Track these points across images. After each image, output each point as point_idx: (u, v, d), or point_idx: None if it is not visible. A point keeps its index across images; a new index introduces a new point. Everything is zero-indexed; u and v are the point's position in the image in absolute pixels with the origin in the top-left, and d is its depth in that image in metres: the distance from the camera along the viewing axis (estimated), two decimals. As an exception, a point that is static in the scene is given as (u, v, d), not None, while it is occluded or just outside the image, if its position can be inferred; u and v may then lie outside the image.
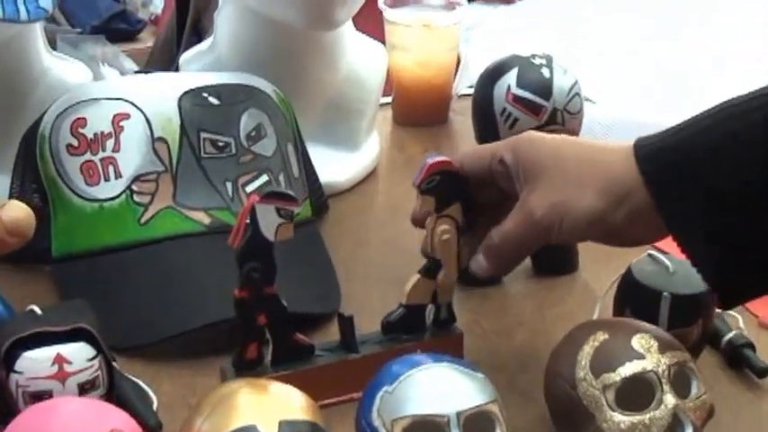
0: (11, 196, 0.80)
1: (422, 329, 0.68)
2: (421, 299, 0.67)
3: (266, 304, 0.62)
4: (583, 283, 0.82)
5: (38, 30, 0.88)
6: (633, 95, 1.05)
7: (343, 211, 0.93)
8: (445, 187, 0.64)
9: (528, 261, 0.82)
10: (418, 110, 1.11)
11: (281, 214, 0.61)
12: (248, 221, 0.61)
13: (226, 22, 0.93)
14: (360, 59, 0.98)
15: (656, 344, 0.57)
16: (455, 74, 1.12)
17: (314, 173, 0.89)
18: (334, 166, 0.96)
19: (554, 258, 0.81)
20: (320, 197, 0.90)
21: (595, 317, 0.71)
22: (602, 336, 0.58)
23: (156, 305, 0.72)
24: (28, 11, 0.72)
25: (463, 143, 1.06)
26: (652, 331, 0.58)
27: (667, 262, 0.68)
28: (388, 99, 1.13)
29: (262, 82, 0.85)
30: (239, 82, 0.83)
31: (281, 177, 0.82)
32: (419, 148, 1.07)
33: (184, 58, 0.96)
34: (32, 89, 0.88)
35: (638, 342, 0.57)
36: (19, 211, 0.63)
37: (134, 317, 0.72)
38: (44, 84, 0.88)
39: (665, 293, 0.65)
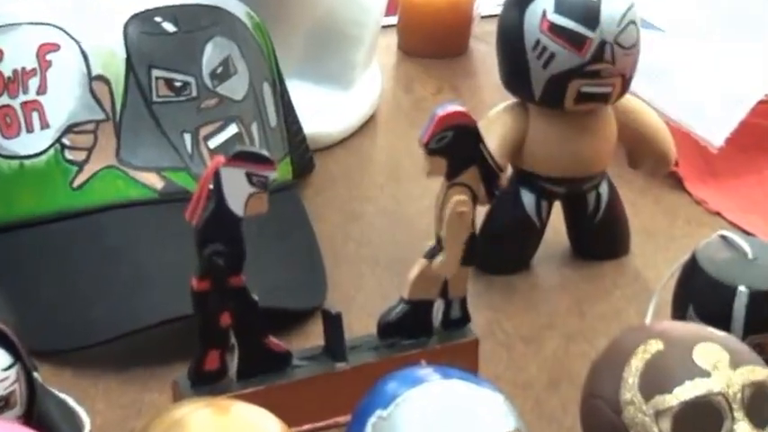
0: None
1: (427, 332, 0.69)
2: (427, 292, 0.68)
3: (232, 299, 0.63)
4: (635, 271, 0.83)
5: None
6: (711, 21, 1.05)
7: (332, 172, 0.94)
8: (460, 146, 0.64)
9: (565, 241, 0.83)
10: (430, 36, 1.12)
11: (252, 182, 0.61)
12: (211, 190, 0.61)
13: None
14: (357, -28, 0.98)
15: (727, 357, 0.58)
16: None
17: (296, 122, 0.90)
18: (322, 112, 0.97)
19: (599, 238, 0.82)
20: (304, 154, 0.91)
21: (649, 318, 0.72)
22: (655, 345, 0.58)
23: (90, 297, 0.73)
24: None
25: (487, 81, 1.07)
26: (722, 340, 0.59)
27: (745, 245, 0.68)
28: (392, 21, 1.13)
29: (231, 1, 0.85)
30: (203, 1, 0.83)
31: (254, 128, 0.82)
32: (430, 88, 1.08)
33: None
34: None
35: (701, 354, 0.58)
36: None
37: (62, 313, 0.73)
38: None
39: (740, 288, 0.66)
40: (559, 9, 0.73)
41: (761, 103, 0.93)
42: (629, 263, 0.83)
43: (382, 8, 1.01)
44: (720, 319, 0.65)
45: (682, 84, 0.90)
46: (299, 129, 0.90)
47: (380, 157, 0.99)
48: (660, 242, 0.85)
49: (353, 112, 0.99)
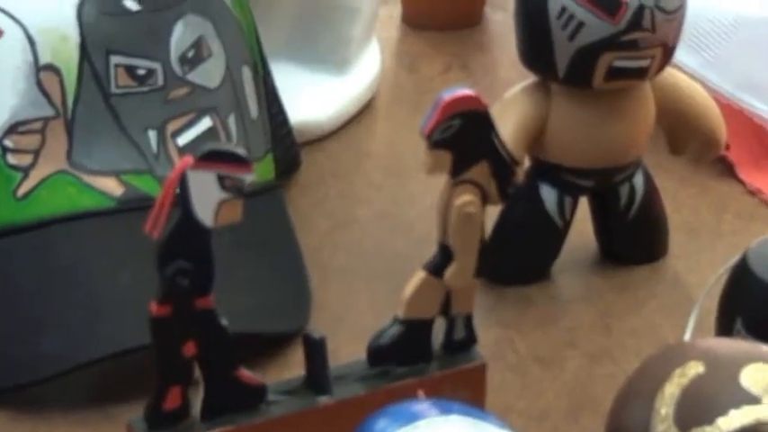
0: None
1: (426, 357, 0.68)
2: (426, 310, 0.67)
3: (197, 325, 0.62)
4: (673, 277, 0.83)
5: None
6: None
7: (322, 169, 0.95)
8: (468, 137, 0.64)
9: (592, 244, 0.83)
10: (437, 4, 1.12)
11: (224, 186, 0.61)
12: (176, 196, 0.60)
13: None
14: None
15: (780, 379, 0.57)
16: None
17: (281, 111, 0.90)
18: (312, 97, 0.98)
19: (632, 238, 0.82)
20: (289, 148, 0.91)
21: (688, 334, 0.72)
22: (694, 368, 0.58)
23: (34, 326, 0.73)
24: None
25: (504, 56, 1.08)
26: (775, 360, 0.59)
27: (806, 246, 0.68)
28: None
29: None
30: (170, -26, 0.84)
31: (232, 120, 0.82)
32: (438, 66, 1.09)
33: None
34: None
35: (750, 377, 0.57)
36: None
37: (1, 344, 0.73)
38: None
39: (799, 296, 0.65)
40: (590, -34, 0.72)
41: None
42: (666, 267, 0.84)
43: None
44: (776, 335, 0.65)
45: (734, 51, 0.90)
46: (285, 120, 0.90)
47: (378, 150, 0.99)
48: (705, 241, 0.85)
49: (347, 98, 1.00)
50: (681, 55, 0.89)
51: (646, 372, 0.60)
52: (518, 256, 0.81)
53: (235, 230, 0.77)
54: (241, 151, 0.61)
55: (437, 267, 0.67)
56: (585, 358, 0.76)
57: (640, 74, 0.75)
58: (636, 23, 0.73)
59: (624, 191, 0.80)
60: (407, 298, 0.67)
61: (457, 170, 0.65)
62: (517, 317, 0.79)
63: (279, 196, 0.86)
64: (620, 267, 0.83)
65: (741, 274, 0.68)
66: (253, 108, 0.85)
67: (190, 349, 0.63)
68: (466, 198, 0.66)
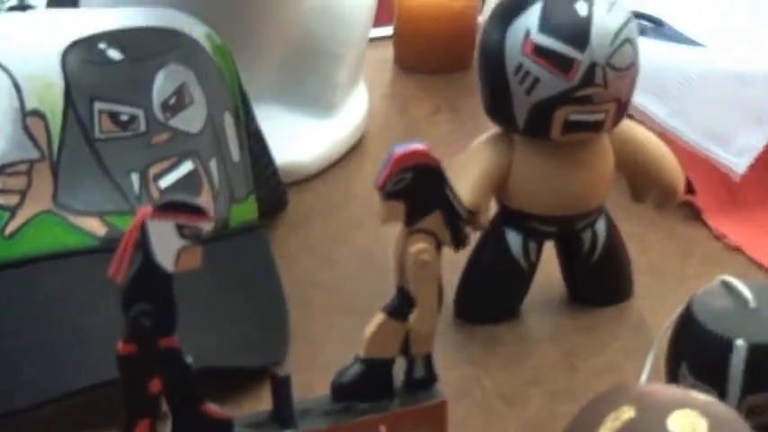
0: None
1: (388, 394, 0.70)
2: (386, 350, 0.69)
3: (162, 363, 0.64)
4: (637, 319, 0.84)
5: None
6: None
7: (308, 209, 0.97)
8: (420, 189, 0.66)
9: (561, 285, 0.85)
10: (428, 49, 1.15)
11: (183, 234, 0.63)
12: (138, 243, 0.63)
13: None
14: (339, -19, 1.01)
15: (706, 425, 0.59)
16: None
17: (266, 153, 0.92)
18: (298, 140, 1.00)
19: (596, 282, 0.84)
20: (274, 189, 0.93)
21: (645, 375, 0.73)
22: (627, 412, 0.59)
23: (16, 358, 0.74)
24: None
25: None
26: (704, 405, 0.60)
27: (748, 292, 0.70)
28: (388, 32, 1.15)
29: (189, 21, 0.87)
30: (155, 24, 0.86)
31: (213, 164, 0.84)
32: (426, 108, 1.11)
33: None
34: None
35: (678, 422, 0.58)
36: None
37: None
38: None
39: (738, 341, 0.67)
40: (544, 28, 0.74)
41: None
42: (631, 309, 0.85)
43: (367, 21, 1.03)
44: (716, 377, 0.67)
45: (699, 103, 0.91)
46: (270, 161, 0.92)
47: (364, 191, 1.00)
48: (669, 284, 0.86)
49: (334, 140, 1.02)
50: (650, 105, 0.92)
51: (584, 415, 0.62)
52: (486, 297, 0.83)
53: (217, 269, 0.80)
54: (197, 202, 0.63)
55: (396, 310, 0.69)
56: (548, 396, 0.77)
57: (596, 127, 0.76)
58: (588, 80, 0.74)
59: (587, 237, 0.82)
60: (367, 338, 0.69)
61: (411, 219, 0.67)
62: (485, 355, 0.81)
63: (262, 235, 0.88)
64: (587, 308, 0.85)
65: (686, 321, 0.70)
66: (234, 152, 0.87)
67: (156, 385, 0.65)
68: (420, 246, 0.67)
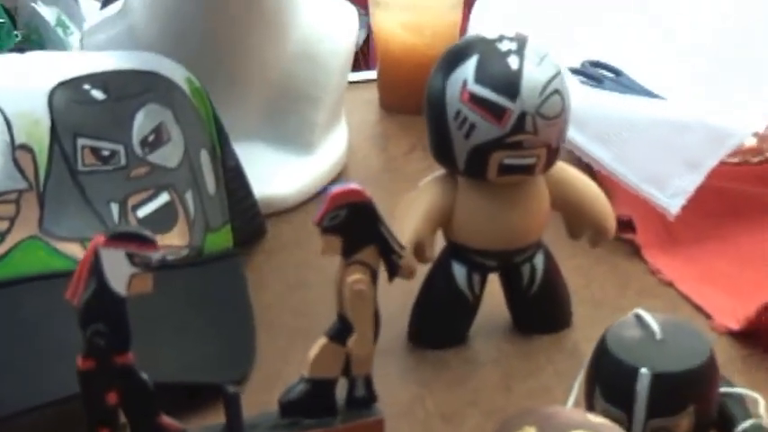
0: None
1: (331, 412, 0.72)
2: (329, 370, 0.72)
3: (118, 378, 0.67)
4: (573, 346, 0.86)
5: None
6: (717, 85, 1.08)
7: (285, 238, 0.98)
8: (354, 225, 0.69)
9: (507, 315, 0.87)
10: (410, 91, 1.15)
11: (134, 262, 0.65)
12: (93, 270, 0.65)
13: (138, -23, 0.99)
14: (318, 29, 1.03)
15: (597, 444, 0.61)
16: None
17: (245, 186, 0.94)
18: (279, 174, 1.02)
19: (535, 311, 0.86)
20: (253, 219, 0.95)
21: (572, 397, 0.75)
22: (529, 431, 0.62)
23: None
24: None
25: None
26: (597, 427, 0.62)
27: (655, 325, 0.71)
28: (374, 75, 1.18)
29: (170, 65, 0.90)
30: (137, 67, 0.88)
31: (189, 196, 0.87)
32: (403, 147, 1.13)
33: (88, 27, 1.03)
34: None
35: (571, 443, 0.61)
36: None
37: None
38: None
39: (642, 370, 0.69)
40: (479, 79, 0.76)
41: (726, 165, 0.96)
42: (568, 337, 0.86)
43: (344, 67, 1.05)
44: (624, 402, 0.69)
45: (640, 149, 0.93)
46: (248, 194, 0.94)
47: None
48: (605, 315, 0.86)
49: (312, 175, 1.04)
50: (596, 150, 0.94)
51: (496, 432, 0.65)
52: (435, 323, 0.85)
53: (190, 292, 0.83)
54: (147, 233, 0.65)
55: (336, 334, 0.72)
56: (484, 416, 0.79)
57: (528, 170, 0.78)
58: (519, 127, 0.76)
59: (526, 270, 0.83)
60: (311, 360, 0.71)
61: (347, 252, 0.70)
62: (432, 377, 0.83)
63: (236, 261, 0.90)
64: (528, 335, 0.86)
65: (601, 350, 0.72)
66: (210, 185, 0.89)
67: (112, 398, 0.67)
68: (356, 276, 0.70)
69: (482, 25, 1.09)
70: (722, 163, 0.94)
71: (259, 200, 0.96)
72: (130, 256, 0.66)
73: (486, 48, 0.77)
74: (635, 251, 0.95)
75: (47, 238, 0.82)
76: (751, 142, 0.96)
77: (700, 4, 1.15)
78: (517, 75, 0.76)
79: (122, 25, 1.00)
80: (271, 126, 1.03)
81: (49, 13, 2.24)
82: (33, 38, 2.28)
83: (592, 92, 0.99)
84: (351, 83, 1.17)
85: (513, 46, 0.77)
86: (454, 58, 0.78)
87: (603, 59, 1.10)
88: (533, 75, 0.76)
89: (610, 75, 1.09)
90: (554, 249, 0.86)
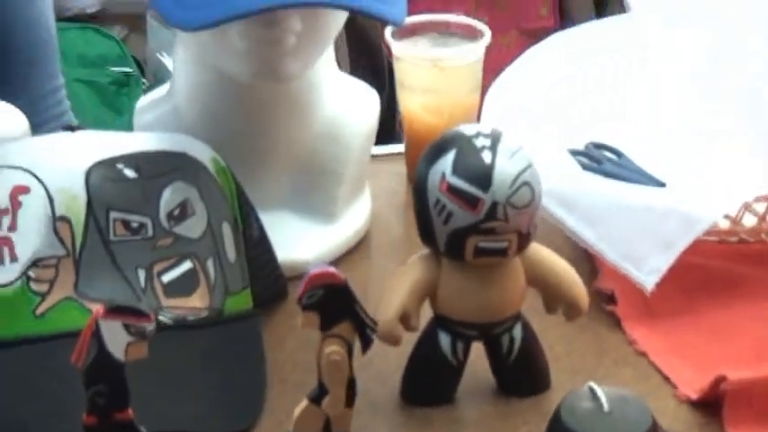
0: None
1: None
2: (310, 428, 0.75)
3: (118, 432, 0.71)
4: (549, 408, 0.83)
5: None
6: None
7: (304, 299, 1.01)
8: (330, 303, 0.71)
9: (492, 378, 0.88)
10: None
11: (130, 332, 0.69)
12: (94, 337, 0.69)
13: (183, 64, 1.03)
14: (343, 111, 1.05)
15: None
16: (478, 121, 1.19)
17: (268, 252, 0.97)
18: (302, 241, 1.03)
19: (515, 376, 0.87)
20: (275, 282, 0.98)
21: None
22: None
23: (24, 416, 0.80)
24: None
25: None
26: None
27: (603, 398, 0.73)
28: (401, 148, 1.20)
29: (198, 147, 0.93)
30: (167, 148, 0.92)
31: (210, 263, 0.90)
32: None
33: (139, 105, 1.07)
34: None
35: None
36: None
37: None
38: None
39: (587, 440, 0.71)
40: (456, 171, 0.78)
41: (706, 243, 0.97)
42: (547, 400, 0.87)
43: (365, 145, 1.07)
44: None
45: (619, 229, 0.94)
46: (270, 259, 0.97)
47: (358, 286, 1.03)
48: (582, 381, 0.86)
49: (334, 242, 1.05)
50: (581, 229, 0.96)
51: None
52: (423, 385, 0.87)
53: (208, 350, 0.86)
54: (142, 307, 0.69)
55: (316, 397, 0.75)
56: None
57: (501, 253, 0.80)
58: (492, 215, 0.78)
59: (505, 340, 0.85)
60: (295, 419, 0.75)
61: (325, 326, 0.73)
62: (415, 435, 0.84)
63: (254, 321, 0.93)
64: (510, 397, 0.88)
65: (555, 419, 0.74)
66: (231, 254, 0.92)
67: (114, 450, 0.71)
68: (332, 348, 0.73)
69: (495, 108, 1.11)
70: (702, 241, 0.95)
71: (282, 264, 0.99)
72: (127, 327, 0.69)
73: (463, 143, 0.80)
74: (616, 322, 0.96)
75: (81, 299, 0.85)
76: (725, 224, 0.96)
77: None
78: (490, 168, 0.78)
79: (168, 106, 1.04)
80: (296, 197, 1.05)
81: (171, 64, 2.32)
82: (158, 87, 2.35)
83: (583, 176, 1.01)
84: (382, 155, 1.21)
85: (488, 142, 0.79)
86: (436, 151, 0.80)
87: (607, 141, 1.12)
88: (505, 168, 0.78)
89: (611, 156, 1.10)
90: (541, 319, 0.88)
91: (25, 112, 1.07)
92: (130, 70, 2.39)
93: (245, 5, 0.81)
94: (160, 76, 2.36)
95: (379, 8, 0.84)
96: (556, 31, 2.88)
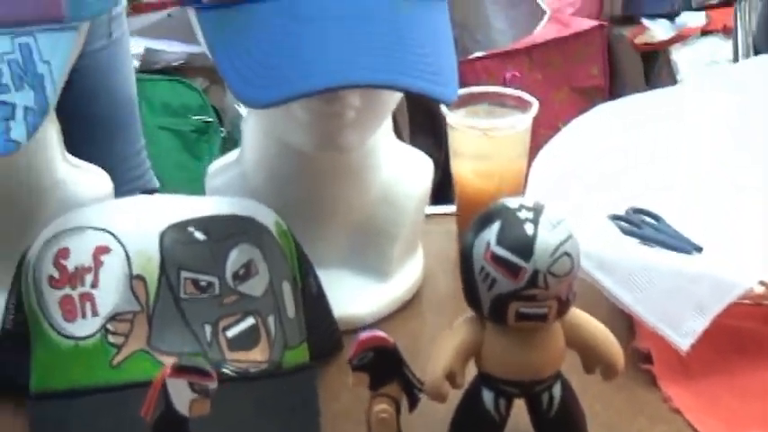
0: (2, 325, 0.94)
1: None
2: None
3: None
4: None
5: (53, 136, 1.02)
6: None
7: (359, 353, 1.02)
8: (380, 365, 0.72)
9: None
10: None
11: (194, 390, 0.71)
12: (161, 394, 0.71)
13: (251, 133, 1.05)
14: (398, 177, 1.07)
15: None
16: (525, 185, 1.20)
17: (325, 308, 0.98)
18: (357, 296, 1.05)
19: (557, 430, 0.87)
20: (331, 336, 0.99)
21: None
22: None
23: None
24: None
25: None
26: None
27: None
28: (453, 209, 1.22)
29: (263, 211, 0.95)
30: (235, 212, 0.93)
31: (271, 319, 0.91)
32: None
33: (211, 170, 1.10)
34: (42, 206, 1.02)
35: None
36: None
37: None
38: (55, 198, 1.03)
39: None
40: (500, 242, 0.79)
41: (741, 306, 0.97)
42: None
43: (419, 208, 1.08)
44: None
45: (658, 293, 0.94)
46: (327, 314, 0.99)
47: (406, 340, 1.02)
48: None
49: (388, 298, 1.07)
50: (620, 292, 0.96)
51: None
52: (468, 440, 0.88)
53: (267, 400, 0.87)
54: (206, 366, 0.70)
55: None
56: None
57: (541, 318, 0.81)
58: (533, 283, 0.78)
59: (545, 398, 0.85)
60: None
61: (374, 386, 0.74)
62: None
63: (311, 374, 0.93)
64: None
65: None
66: (290, 311, 0.93)
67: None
68: (381, 407, 0.74)
69: (542, 174, 1.12)
70: (736, 304, 0.95)
71: (338, 319, 1.00)
72: (192, 385, 0.71)
73: (508, 215, 0.80)
74: (652, 380, 0.96)
75: (153, 351, 0.87)
76: (759, 289, 0.96)
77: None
78: (531, 239, 0.79)
79: (236, 170, 1.06)
80: (353, 256, 1.06)
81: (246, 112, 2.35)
82: (235, 135, 2.40)
83: (623, 241, 1.01)
84: (435, 215, 1.22)
85: (530, 215, 0.80)
86: (482, 222, 0.81)
87: (646, 206, 1.12)
88: (546, 239, 0.79)
89: (650, 220, 1.10)
90: (580, 377, 0.87)
91: (109, 174, 1.10)
92: (210, 119, 2.43)
93: (308, 86, 0.82)
94: (236, 124, 2.40)
95: (434, 89, 0.86)
96: (605, 89, 2.89)
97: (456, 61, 0.89)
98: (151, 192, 0.96)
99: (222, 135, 2.42)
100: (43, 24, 0.88)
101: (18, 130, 0.84)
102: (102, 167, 1.09)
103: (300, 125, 0.93)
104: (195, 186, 2.37)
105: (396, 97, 0.97)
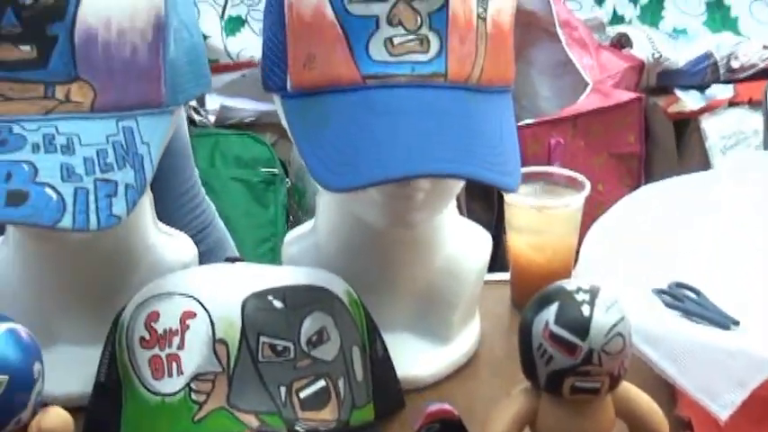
0: (97, 377, 0.95)
1: None
2: None
3: None
4: None
5: (146, 206, 1.04)
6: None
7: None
8: None
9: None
10: (531, 296, 1.17)
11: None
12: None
13: (326, 206, 1.06)
14: (459, 250, 1.08)
15: None
16: (575, 259, 1.19)
17: (390, 369, 0.99)
18: (419, 358, 1.05)
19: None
20: (395, 395, 0.99)
21: None
22: None
23: None
24: (99, 219, 0.83)
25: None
26: None
27: None
28: (507, 276, 1.22)
29: (335, 281, 0.96)
30: (310, 282, 0.94)
31: (341, 383, 0.91)
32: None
33: (287, 239, 1.10)
34: (135, 268, 1.03)
35: None
36: (56, 419, 0.76)
37: None
38: (146, 263, 1.04)
39: None
40: (558, 321, 0.79)
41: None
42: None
43: (478, 279, 1.09)
44: None
45: (699, 366, 0.93)
46: (392, 376, 0.99)
47: (462, 401, 1.02)
48: None
49: (448, 362, 1.07)
50: (664, 364, 0.95)
51: None
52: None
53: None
54: (281, 427, 0.70)
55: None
56: None
57: (595, 392, 0.81)
58: (588, 360, 0.79)
59: (596, 465, 0.85)
60: None
61: (442, 454, 0.74)
62: None
63: (375, 431, 0.94)
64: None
65: None
66: (359, 374, 0.94)
67: None
68: (444, 473, 0.74)
69: (592, 249, 1.11)
70: (771, 378, 0.94)
71: (402, 380, 1.01)
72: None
73: (565, 297, 0.81)
74: (695, 448, 0.95)
75: (231, 409, 0.87)
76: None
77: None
78: (588, 320, 0.79)
79: (311, 240, 1.07)
80: (416, 321, 1.07)
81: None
82: (299, 185, 2.42)
83: (666, 314, 1.00)
84: (490, 281, 1.21)
85: (587, 297, 0.80)
86: (541, 302, 0.82)
87: (687, 281, 1.11)
88: (601, 320, 0.79)
89: (690, 294, 1.10)
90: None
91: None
92: (277, 171, 2.45)
93: (384, 174, 0.83)
94: (300, 176, 2.42)
95: (501, 180, 0.86)
96: (641, 154, 2.87)
97: (519, 150, 0.90)
98: (233, 261, 0.97)
99: (287, 185, 2.44)
100: (144, 109, 0.89)
101: (119, 206, 0.85)
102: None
103: (373, 204, 0.94)
104: (261, 232, 2.37)
105: (461, 181, 0.97)
